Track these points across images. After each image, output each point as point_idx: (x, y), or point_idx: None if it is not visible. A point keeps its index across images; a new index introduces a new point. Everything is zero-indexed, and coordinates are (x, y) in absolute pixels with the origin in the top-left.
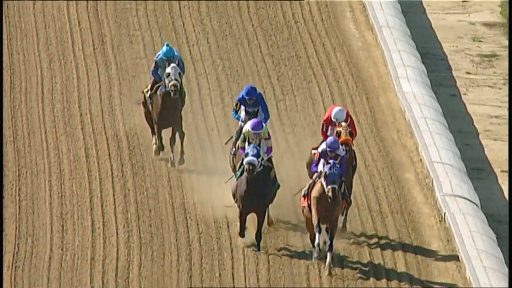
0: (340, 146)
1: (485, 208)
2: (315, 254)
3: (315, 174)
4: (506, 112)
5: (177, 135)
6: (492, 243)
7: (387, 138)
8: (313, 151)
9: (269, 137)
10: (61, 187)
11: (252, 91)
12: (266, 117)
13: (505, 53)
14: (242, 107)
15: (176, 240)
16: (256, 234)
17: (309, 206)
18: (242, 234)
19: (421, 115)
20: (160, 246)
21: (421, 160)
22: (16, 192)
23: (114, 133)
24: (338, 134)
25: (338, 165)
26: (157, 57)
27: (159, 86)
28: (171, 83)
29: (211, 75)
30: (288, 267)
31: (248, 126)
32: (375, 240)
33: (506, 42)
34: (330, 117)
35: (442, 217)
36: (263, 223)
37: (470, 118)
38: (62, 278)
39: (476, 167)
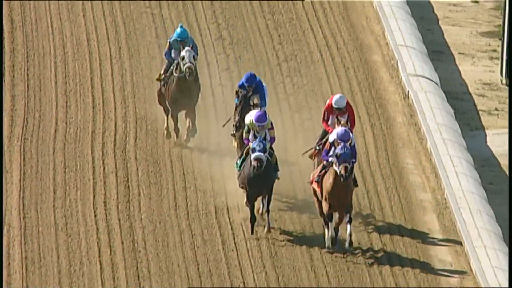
0: (352, 135)
1: (444, 86)
2: (328, 243)
3: (324, 162)
4: (463, 0)
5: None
6: (451, 118)
7: (357, 24)
8: (316, 147)
9: (272, 127)
10: (65, 68)
11: (251, 78)
12: (263, 103)
13: None
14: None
15: None
16: (264, 212)
17: (321, 191)
18: (252, 221)
19: (387, 3)
20: (154, 121)
21: (387, 43)
22: (25, 72)
23: (112, 19)
24: None
25: (348, 146)
26: (170, 39)
27: (172, 69)
28: (186, 65)
29: None
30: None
31: (252, 118)
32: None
33: None
34: (331, 105)
35: (406, 95)
36: (270, 201)
37: (431, 5)
38: (66, 149)
39: (436, 50)
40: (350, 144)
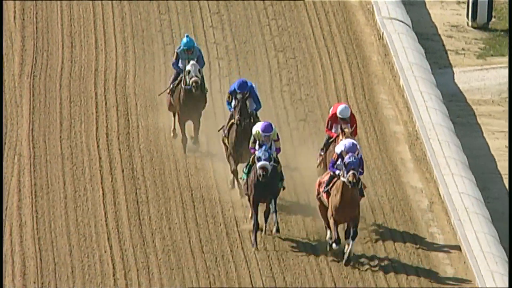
0: (359, 148)
1: (416, 28)
2: (334, 245)
3: (331, 173)
4: None
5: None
6: (421, 57)
7: None
8: (321, 153)
9: (278, 139)
10: (70, 11)
11: (243, 84)
12: (258, 107)
13: None
14: (236, 97)
15: (164, 55)
16: (264, 213)
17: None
18: (255, 228)
19: None
20: (151, 60)
21: None
22: (34, 15)
23: None
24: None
25: (356, 156)
26: (178, 49)
27: (181, 79)
28: (192, 79)
29: None
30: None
31: (258, 128)
32: (326, 55)
33: None
34: (335, 114)
35: (380, 36)
36: (276, 210)
37: None
38: (71, 85)
39: None
40: (357, 152)
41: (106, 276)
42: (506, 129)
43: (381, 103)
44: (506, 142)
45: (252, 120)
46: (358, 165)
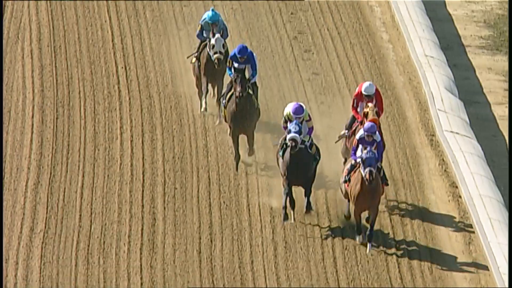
0: (377, 132)
1: None
2: (357, 238)
3: (352, 161)
4: None
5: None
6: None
7: None
8: (344, 132)
9: (310, 119)
10: None
11: (243, 49)
12: (254, 74)
13: None
14: (234, 64)
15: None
16: (306, 201)
17: (350, 192)
18: (292, 205)
19: None
20: None
21: None
22: None
23: None
24: (366, 115)
25: (374, 150)
26: (202, 20)
27: (205, 45)
28: (215, 55)
29: None
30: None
31: (289, 110)
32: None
33: None
34: (360, 92)
35: None
36: (310, 190)
37: None
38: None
39: None
40: (375, 146)
41: (106, 41)
42: None
43: None
44: None
45: (250, 90)
46: (375, 160)
